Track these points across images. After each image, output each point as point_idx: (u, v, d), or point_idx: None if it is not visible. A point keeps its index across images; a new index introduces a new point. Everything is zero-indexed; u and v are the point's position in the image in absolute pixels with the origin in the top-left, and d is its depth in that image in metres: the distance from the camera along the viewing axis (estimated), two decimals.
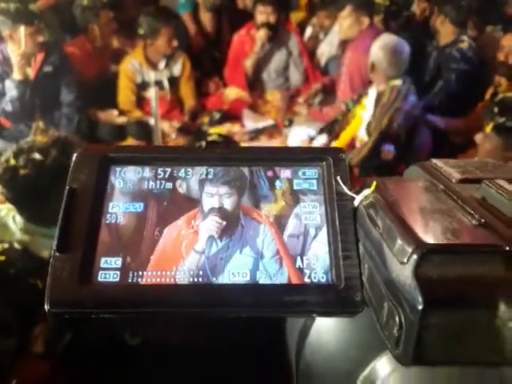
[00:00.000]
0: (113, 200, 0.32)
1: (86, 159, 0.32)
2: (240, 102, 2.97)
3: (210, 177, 0.33)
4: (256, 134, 2.77)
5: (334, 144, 2.26)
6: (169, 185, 0.32)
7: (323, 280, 0.29)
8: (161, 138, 2.34)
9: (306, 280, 0.29)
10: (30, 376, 0.96)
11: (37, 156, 1.22)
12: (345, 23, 2.63)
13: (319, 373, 0.40)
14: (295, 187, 0.33)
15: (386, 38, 2.20)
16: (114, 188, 0.32)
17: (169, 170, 0.33)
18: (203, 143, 1.12)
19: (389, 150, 2.07)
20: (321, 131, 2.50)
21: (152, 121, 2.51)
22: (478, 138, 1.77)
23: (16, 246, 1.07)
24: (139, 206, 0.31)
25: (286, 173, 0.33)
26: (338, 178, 0.32)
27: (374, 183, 0.30)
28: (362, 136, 2.19)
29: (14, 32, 2.35)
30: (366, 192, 0.30)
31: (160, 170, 0.33)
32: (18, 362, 0.94)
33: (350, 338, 0.38)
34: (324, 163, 0.33)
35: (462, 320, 0.23)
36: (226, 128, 2.86)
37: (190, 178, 0.33)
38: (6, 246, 1.04)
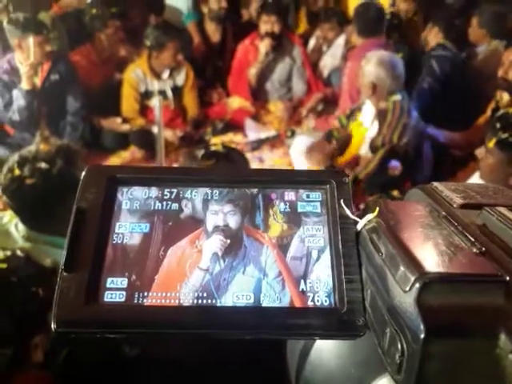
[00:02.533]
0: (119, 220, 0.32)
1: (94, 179, 0.33)
2: (243, 112, 2.99)
3: (214, 197, 0.33)
4: (258, 144, 2.78)
5: (338, 161, 2.26)
6: (175, 206, 0.33)
7: (326, 303, 0.30)
8: (164, 147, 2.35)
9: (309, 303, 0.30)
10: None
11: (43, 165, 1.22)
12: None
13: None
14: (299, 210, 0.33)
15: (378, 55, 2.16)
16: (121, 208, 0.32)
17: (175, 190, 0.33)
18: (201, 152, 1.12)
19: (395, 166, 2.07)
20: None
21: (155, 129, 2.53)
22: (480, 152, 1.77)
23: (18, 253, 1.07)
24: (145, 227, 0.32)
25: (290, 195, 0.34)
26: (342, 201, 0.33)
27: (377, 208, 0.31)
28: (366, 153, 2.19)
29: (23, 41, 2.37)
30: (369, 216, 0.31)
31: (166, 191, 0.33)
32: (16, 370, 0.94)
33: (350, 357, 0.38)
34: (327, 186, 0.34)
35: (463, 349, 0.23)
36: (228, 138, 2.87)
37: (196, 199, 0.33)
38: (9, 253, 1.04)
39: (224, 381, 1.02)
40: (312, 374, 0.41)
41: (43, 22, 2.49)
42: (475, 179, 1.77)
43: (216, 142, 2.69)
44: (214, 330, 0.29)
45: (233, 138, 2.88)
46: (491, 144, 1.63)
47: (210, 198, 0.33)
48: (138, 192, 0.33)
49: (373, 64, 2.10)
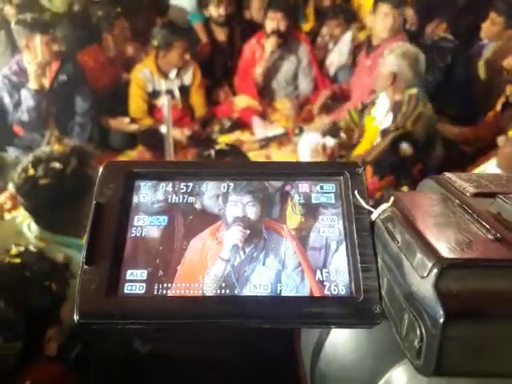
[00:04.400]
0: (138, 214, 0.33)
1: (112, 175, 0.34)
2: (250, 110, 2.99)
3: (233, 189, 0.34)
4: (266, 142, 2.78)
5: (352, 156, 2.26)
6: (191, 199, 0.33)
7: (343, 292, 0.30)
8: (172, 146, 2.36)
9: (326, 292, 0.30)
10: (43, 378, 0.97)
11: (57, 165, 1.23)
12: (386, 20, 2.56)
13: (335, 382, 0.41)
14: (313, 201, 0.34)
15: (403, 47, 2.17)
16: (139, 202, 0.33)
17: (191, 184, 0.34)
18: (212, 152, 1.13)
19: (406, 146, 2.06)
20: (323, 134, 2.50)
21: (163, 128, 2.54)
22: (501, 140, 1.77)
23: (32, 249, 1.08)
24: (163, 220, 0.33)
25: (304, 187, 0.34)
26: (356, 192, 0.33)
27: (392, 198, 0.31)
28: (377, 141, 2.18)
29: (31, 41, 2.38)
30: (384, 206, 0.31)
31: (182, 185, 0.34)
32: (29, 363, 0.95)
33: (365, 347, 0.38)
34: (341, 177, 0.34)
35: (482, 332, 0.23)
36: (235, 136, 2.87)
37: (212, 192, 0.34)
38: (22, 249, 1.06)
39: (232, 378, 1.03)
40: (327, 366, 0.42)
41: (50, 21, 2.50)
42: (492, 167, 1.76)
43: (220, 141, 2.70)
44: (235, 320, 0.29)
45: (240, 137, 2.89)
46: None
47: (229, 190, 0.34)
48: (155, 186, 0.34)
49: (396, 55, 2.09)
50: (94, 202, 0.32)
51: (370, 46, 2.67)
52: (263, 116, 3.00)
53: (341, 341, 0.40)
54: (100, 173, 0.34)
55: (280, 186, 0.34)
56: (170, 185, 0.34)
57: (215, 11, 3.05)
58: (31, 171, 1.24)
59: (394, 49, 2.13)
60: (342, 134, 2.35)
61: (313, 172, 0.35)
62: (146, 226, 0.32)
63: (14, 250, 1.02)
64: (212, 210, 0.33)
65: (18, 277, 0.98)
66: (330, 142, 2.40)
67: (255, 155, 2.65)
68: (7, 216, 1.75)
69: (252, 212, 0.33)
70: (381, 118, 2.16)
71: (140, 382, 1.13)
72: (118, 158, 2.72)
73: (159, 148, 2.53)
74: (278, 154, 2.72)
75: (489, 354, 0.24)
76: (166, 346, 1.10)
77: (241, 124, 2.95)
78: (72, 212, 1.29)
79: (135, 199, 0.33)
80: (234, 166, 0.35)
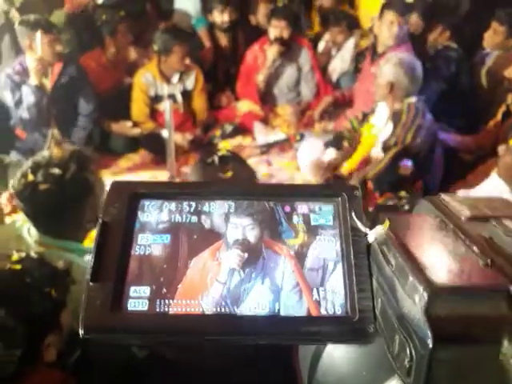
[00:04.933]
0: (142, 232, 0.34)
1: (117, 194, 0.35)
2: (251, 116, 3.00)
3: (234, 210, 0.35)
4: (267, 148, 2.79)
5: (347, 163, 2.27)
6: (194, 218, 0.35)
7: (339, 312, 0.31)
8: (174, 151, 2.38)
9: (323, 312, 0.31)
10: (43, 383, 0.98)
11: (56, 171, 1.24)
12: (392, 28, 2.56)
13: None
14: (312, 222, 0.35)
15: (399, 56, 2.18)
16: (143, 221, 0.34)
17: (193, 204, 0.35)
18: (216, 158, 1.15)
19: (407, 165, 2.07)
20: (326, 145, 2.51)
21: (165, 133, 2.55)
22: (501, 149, 1.78)
23: (32, 255, 1.09)
24: (166, 238, 0.34)
25: (303, 208, 0.35)
26: (353, 213, 0.34)
27: (387, 221, 0.32)
28: (377, 154, 2.19)
29: (33, 40, 2.41)
30: (379, 228, 0.32)
31: (185, 204, 0.35)
32: (29, 370, 0.95)
33: (362, 360, 0.39)
34: (339, 199, 0.35)
35: (469, 356, 0.25)
36: (237, 141, 2.89)
37: (214, 212, 0.35)
38: (23, 255, 1.06)
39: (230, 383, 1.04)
40: (324, 376, 0.43)
41: (53, 22, 2.53)
42: (493, 178, 1.77)
43: (221, 147, 2.71)
44: (233, 337, 0.31)
45: (242, 142, 2.90)
46: None
47: (230, 210, 0.35)
48: (159, 205, 0.35)
49: (391, 64, 2.10)
50: (100, 221, 0.33)
51: (375, 53, 2.68)
52: (265, 121, 3.01)
53: (338, 352, 0.41)
54: (106, 193, 0.35)
55: (279, 207, 0.35)
56: (174, 204, 0.35)
57: (219, 17, 3.06)
58: (31, 177, 1.24)
59: (390, 58, 2.15)
60: (345, 144, 2.36)
61: (311, 193, 0.36)
62: (150, 244, 0.33)
63: (15, 256, 1.03)
64: (214, 229, 0.34)
65: (19, 283, 0.98)
66: (332, 153, 2.41)
67: (256, 161, 2.67)
68: (7, 220, 1.76)
69: (252, 235, 0.34)
70: (380, 126, 2.17)
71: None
72: (120, 162, 2.73)
73: (161, 152, 2.55)
74: (279, 160, 2.73)
75: (475, 377, 0.25)
76: (163, 351, 1.11)
77: (242, 129, 2.97)
78: (72, 217, 1.30)
79: (139, 218, 0.34)
80: (236, 187, 0.37)
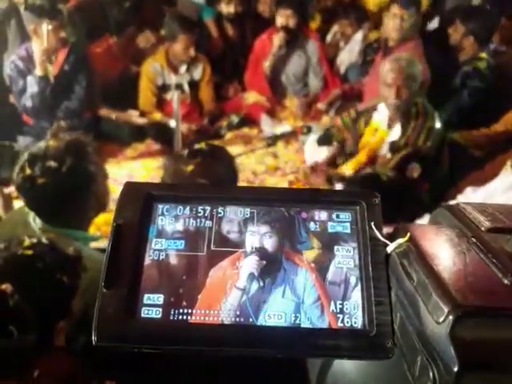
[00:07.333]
0: (156, 237, 0.33)
1: (131, 196, 0.34)
2: (258, 107, 2.99)
3: (252, 216, 0.34)
4: (273, 140, 2.77)
5: (350, 161, 2.24)
6: (208, 223, 0.34)
7: (356, 325, 0.31)
8: (181, 141, 2.37)
9: (340, 324, 0.31)
10: (54, 368, 0.98)
11: (52, 164, 1.22)
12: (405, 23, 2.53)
13: None
14: (329, 230, 0.34)
15: (403, 56, 2.15)
16: (157, 225, 0.33)
17: (208, 208, 0.34)
18: (185, 151, 1.09)
19: (415, 167, 2.06)
20: (318, 143, 2.50)
21: (172, 123, 2.54)
22: None
23: (44, 240, 1.08)
24: (180, 244, 0.33)
25: (320, 215, 0.34)
26: (372, 223, 0.33)
27: (408, 234, 0.31)
28: (384, 153, 2.17)
29: (39, 27, 2.39)
30: (400, 241, 0.31)
31: (200, 209, 0.34)
32: (41, 354, 0.95)
33: (372, 370, 0.39)
34: (358, 207, 0.34)
35: (495, 382, 0.24)
36: (243, 132, 2.88)
37: (231, 217, 0.34)
38: (35, 240, 1.06)
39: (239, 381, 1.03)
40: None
41: (59, 8, 2.50)
42: (507, 174, 1.75)
43: (227, 137, 2.69)
44: (251, 349, 0.30)
45: (248, 133, 2.89)
46: None
47: (247, 217, 0.34)
48: (173, 209, 0.34)
49: (396, 64, 2.07)
50: (113, 224, 0.33)
51: (386, 47, 2.65)
52: (272, 113, 2.99)
53: (348, 360, 0.41)
54: (119, 194, 0.34)
55: (297, 214, 0.34)
56: (188, 208, 0.34)
57: (226, 8, 3.05)
58: (28, 170, 1.22)
59: (393, 58, 2.13)
60: (334, 142, 2.33)
61: (329, 200, 0.35)
62: (164, 249, 0.33)
63: (27, 242, 1.02)
64: (231, 237, 0.33)
65: (31, 269, 0.98)
66: (324, 152, 2.39)
67: (262, 153, 2.65)
68: (16, 204, 1.75)
69: (269, 243, 0.33)
70: (384, 126, 2.14)
71: (149, 368, 1.13)
72: (126, 151, 2.72)
73: (167, 142, 2.53)
74: (285, 152, 2.72)
75: None
76: None
77: (249, 120, 2.95)
78: (75, 206, 1.29)
79: (153, 222, 0.34)
80: (253, 192, 0.36)
